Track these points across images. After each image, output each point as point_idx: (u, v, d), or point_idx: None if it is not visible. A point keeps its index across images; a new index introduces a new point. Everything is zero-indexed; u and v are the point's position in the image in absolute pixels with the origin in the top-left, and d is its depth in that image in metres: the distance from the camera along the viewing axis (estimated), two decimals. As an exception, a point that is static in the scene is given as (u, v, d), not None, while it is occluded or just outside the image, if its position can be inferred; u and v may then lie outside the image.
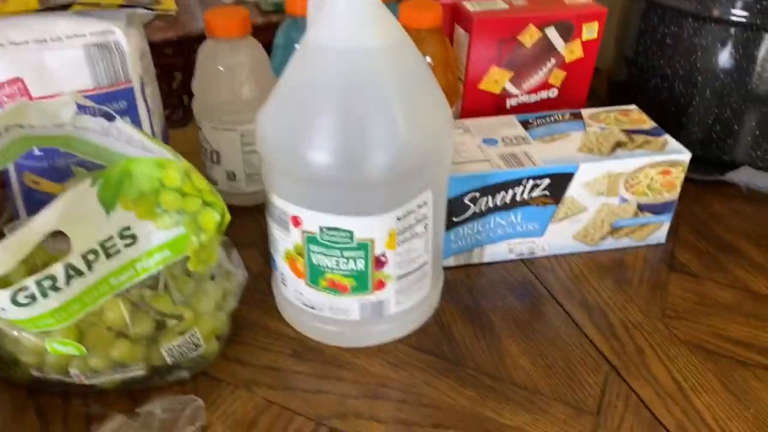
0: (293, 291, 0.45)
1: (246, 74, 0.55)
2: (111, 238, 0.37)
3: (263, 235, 0.45)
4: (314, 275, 0.43)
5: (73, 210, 0.35)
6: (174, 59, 0.85)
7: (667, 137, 0.54)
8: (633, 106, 0.58)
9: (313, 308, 0.45)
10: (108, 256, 0.37)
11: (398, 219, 0.41)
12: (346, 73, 0.38)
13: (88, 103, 0.40)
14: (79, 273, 0.36)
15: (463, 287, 0.52)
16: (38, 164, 0.48)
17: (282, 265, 0.45)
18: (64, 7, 0.45)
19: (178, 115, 0.80)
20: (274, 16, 0.73)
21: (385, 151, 0.38)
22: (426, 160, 0.41)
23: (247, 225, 0.58)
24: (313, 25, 0.39)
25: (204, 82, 0.56)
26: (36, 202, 0.49)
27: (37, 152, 0.47)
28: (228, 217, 0.40)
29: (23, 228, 0.35)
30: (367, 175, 0.38)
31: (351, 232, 0.41)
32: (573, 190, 0.51)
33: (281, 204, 0.41)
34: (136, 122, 0.49)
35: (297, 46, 0.40)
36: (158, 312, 0.40)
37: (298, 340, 0.47)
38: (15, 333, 0.38)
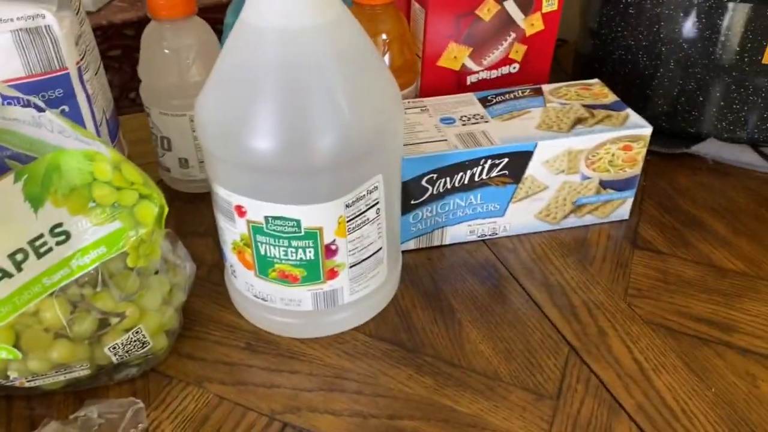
0: (243, 283, 0.44)
1: (193, 56, 0.53)
2: (41, 236, 0.35)
3: (216, 225, 0.44)
4: (263, 266, 0.41)
5: (-5, 209, 0.34)
6: (136, 41, 0.82)
7: (629, 111, 0.52)
8: (595, 80, 0.57)
9: (264, 300, 0.43)
10: (39, 255, 0.35)
11: (347, 205, 0.39)
12: (284, 53, 0.36)
13: (15, 93, 0.38)
14: (7, 274, 0.34)
15: (424, 271, 0.50)
16: (-29, 158, 0.45)
17: (230, 256, 0.43)
18: (-10, -9, 0.43)
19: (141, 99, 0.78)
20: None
21: (328, 135, 0.36)
22: (374, 142, 0.39)
23: (202, 213, 0.56)
24: (248, 4, 0.37)
25: (150, 66, 0.54)
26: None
27: (-31, 145, 0.45)
28: (166, 209, 0.38)
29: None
30: (310, 161, 0.37)
31: (298, 221, 0.39)
32: (532, 169, 0.49)
33: (224, 194, 0.40)
34: (75, 110, 0.47)
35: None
36: (99, 310, 0.39)
37: (252, 332, 0.45)
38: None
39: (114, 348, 0.40)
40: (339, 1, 0.37)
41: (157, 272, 0.41)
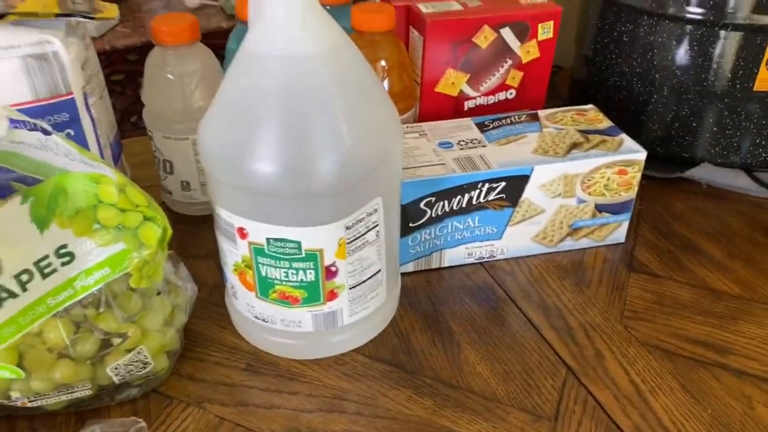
0: (244, 304, 0.44)
1: (196, 81, 0.54)
2: (46, 257, 0.36)
3: (217, 247, 0.44)
4: (264, 287, 0.42)
5: (2, 229, 0.34)
6: (139, 65, 0.83)
7: (624, 136, 0.53)
8: (590, 106, 0.58)
9: (264, 321, 0.44)
10: (44, 276, 0.36)
11: (347, 228, 0.40)
12: (285, 80, 0.37)
13: (22, 117, 0.39)
14: (12, 294, 0.35)
15: (423, 293, 0.51)
16: (-23, 180, 0.46)
17: (231, 277, 0.44)
18: None
19: (144, 123, 0.79)
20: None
21: (329, 160, 0.37)
22: (374, 166, 0.40)
23: (204, 235, 0.57)
24: (251, 32, 0.38)
25: (153, 91, 0.55)
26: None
27: (-25, 168, 0.46)
28: (170, 231, 0.39)
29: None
30: (312, 185, 0.38)
31: (299, 243, 0.40)
32: (529, 193, 0.50)
33: (226, 216, 0.40)
34: (80, 134, 0.48)
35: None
36: (102, 331, 0.39)
37: (252, 353, 0.46)
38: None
39: (116, 368, 0.40)
40: (339, 28, 0.38)
41: (159, 293, 0.42)
